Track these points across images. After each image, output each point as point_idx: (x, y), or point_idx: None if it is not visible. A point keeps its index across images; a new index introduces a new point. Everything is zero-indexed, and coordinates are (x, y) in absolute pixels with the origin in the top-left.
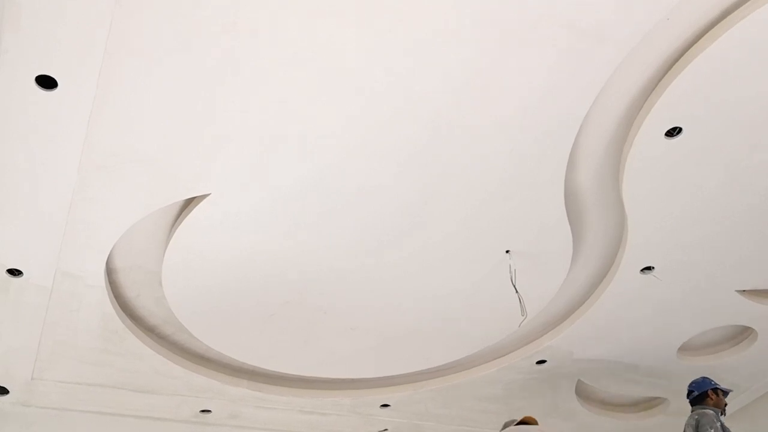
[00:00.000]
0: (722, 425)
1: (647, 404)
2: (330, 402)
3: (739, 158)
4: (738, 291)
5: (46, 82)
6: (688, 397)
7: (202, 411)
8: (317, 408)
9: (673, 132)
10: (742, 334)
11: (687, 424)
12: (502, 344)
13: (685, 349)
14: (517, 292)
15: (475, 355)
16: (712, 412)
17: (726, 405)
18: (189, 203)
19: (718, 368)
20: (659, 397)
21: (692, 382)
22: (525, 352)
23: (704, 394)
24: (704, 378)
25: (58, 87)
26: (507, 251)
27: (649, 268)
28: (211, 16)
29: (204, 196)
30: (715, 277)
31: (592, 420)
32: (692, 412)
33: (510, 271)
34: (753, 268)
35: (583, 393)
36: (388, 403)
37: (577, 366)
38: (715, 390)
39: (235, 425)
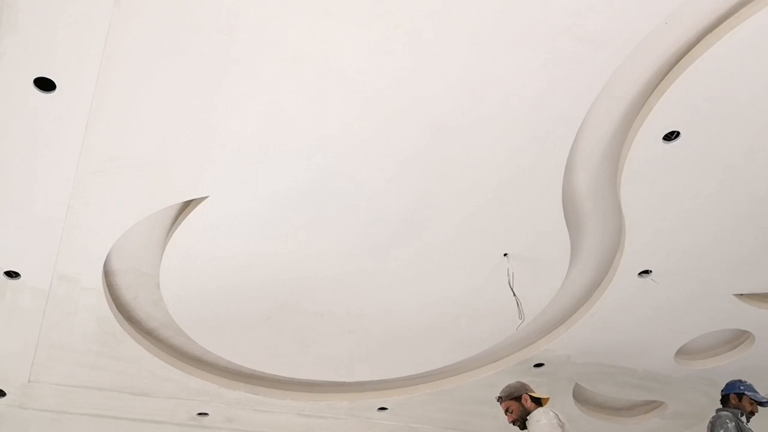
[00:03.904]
0: (738, 425)
1: (645, 408)
2: (327, 405)
3: (737, 162)
4: (735, 295)
5: (45, 85)
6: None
7: (199, 414)
8: (314, 411)
9: (671, 136)
10: (739, 337)
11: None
12: (499, 347)
13: (683, 352)
14: (515, 295)
15: (473, 358)
16: (727, 413)
17: (753, 411)
18: (186, 206)
19: (715, 372)
20: (656, 401)
21: (726, 384)
22: (522, 356)
23: (727, 397)
24: (735, 381)
25: (57, 89)
26: (505, 254)
27: (646, 272)
28: (209, 18)
29: (201, 199)
30: (712, 281)
31: (590, 423)
32: (714, 414)
33: (508, 275)
34: (751, 271)
35: (580, 396)
36: (385, 406)
37: (575, 369)
38: (739, 395)
39: (231, 428)
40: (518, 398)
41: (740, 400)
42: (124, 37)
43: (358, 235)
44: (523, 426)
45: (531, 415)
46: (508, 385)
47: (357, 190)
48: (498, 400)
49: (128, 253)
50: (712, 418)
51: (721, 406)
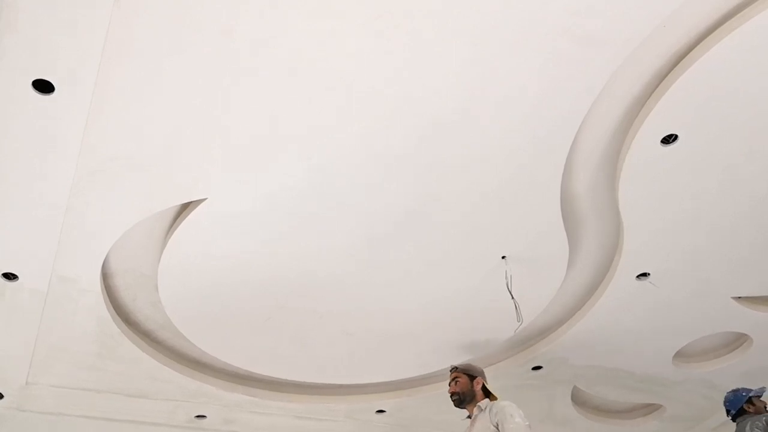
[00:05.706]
0: None
1: (643, 410)
2: (325, 408)
3: (735, 165)
4: (734, 298)
5: (43, 87)
6: (728, 416)
7: (197, 416)
8: (312, 414)
9: (669, 139)
10: (737, 340)
11: (754, 427)
12: (497, 350)
13: (681, 355)
14: (513, 298)
15: (471, 360)
16: None
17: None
18: (185, 207)
19: (713, 375)
20: (655, 404)
21: (726, 401)
22: (521, 358)
23: (741, 410)
24: (734, 393)
25: (55, 91)
26: (503, 257)
27: (644, 275)
28: (209, 19)
29: (200, 200)
30: (710, 284)
31: (588, 426)
32: (742, 421)
33: (506, 277)
34: (749, 274)
35: (578, 399)
36: (383, 409)
37: (573, 372)
38: (749, 399)
39: (229, 430)
40: (472, 377)
41: (753, 404)
42: (123, 37)
43: (358, 235)
44: (460, 403)
45: (501, 407)
46: (470, 363)
47: (356, 190)
48: (451, 369)
49: (127, 255)
50: (765, 417)
51: (743, 416)
